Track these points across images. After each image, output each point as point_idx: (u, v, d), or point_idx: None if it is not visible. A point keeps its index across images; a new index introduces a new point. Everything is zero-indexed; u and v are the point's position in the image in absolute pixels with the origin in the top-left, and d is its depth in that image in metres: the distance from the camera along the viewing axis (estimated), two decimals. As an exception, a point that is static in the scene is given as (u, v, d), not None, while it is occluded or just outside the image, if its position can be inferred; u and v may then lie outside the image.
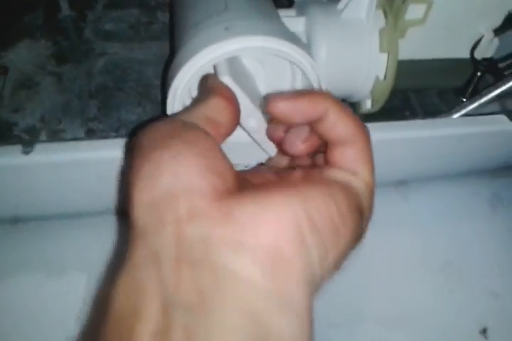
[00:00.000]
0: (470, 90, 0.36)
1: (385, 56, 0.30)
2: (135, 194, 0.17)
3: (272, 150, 0.27)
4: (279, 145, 0.23)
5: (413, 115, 0.37)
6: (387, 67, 0.30)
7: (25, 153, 0.27)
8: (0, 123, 0.32)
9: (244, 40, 0.24)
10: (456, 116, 0.35)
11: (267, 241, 0.16)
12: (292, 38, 0.26)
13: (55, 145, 0.27)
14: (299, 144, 0.22)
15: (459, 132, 0.34)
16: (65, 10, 0.41)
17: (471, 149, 0.36)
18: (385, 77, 0.30)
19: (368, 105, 0.32)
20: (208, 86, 0.22)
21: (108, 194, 0.30)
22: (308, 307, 0.16)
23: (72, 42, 0.39)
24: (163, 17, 0.42)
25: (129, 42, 0.39)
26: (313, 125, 0.21)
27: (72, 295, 0.29)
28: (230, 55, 0.24)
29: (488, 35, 0.30)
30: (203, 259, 0.15)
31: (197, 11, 0.28)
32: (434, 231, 0.35)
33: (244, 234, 0.16)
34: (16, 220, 0.30)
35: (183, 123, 0.20)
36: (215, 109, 0.22)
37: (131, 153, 0.19)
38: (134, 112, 0.34)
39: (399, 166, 0.36)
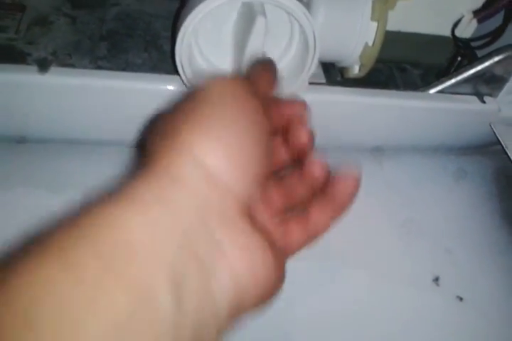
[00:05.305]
0: (451, 71, 0.40)
1: (375, 25, 0.33)
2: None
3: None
4: None
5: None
6: (375, 34, 0.33)
7: (41, 73, 0.29)
8: (15, 53, 0.34)
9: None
10: (432, 91, 0.38)
11: None
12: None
13: (69, 70, 0.30)
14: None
15: (432, 106, 0.38)
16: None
17: (441, 125, 0.40)
18: (373, 44, 0.33)
19: (355, 70, 0.35)
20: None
21: (117, 124, 0.33)
22: None
23: (88, -10, 0.41)
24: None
25: (141, -3, 0.42)
26: None
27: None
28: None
29: (468, 15, 0.34)
30: None
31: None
32: (400, 193, 0.39)
33: None
34: (22, 140, 0.32)
35: None
36: None
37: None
38: (140, 57, 0.36)
39: (376, 132, 0.39)
